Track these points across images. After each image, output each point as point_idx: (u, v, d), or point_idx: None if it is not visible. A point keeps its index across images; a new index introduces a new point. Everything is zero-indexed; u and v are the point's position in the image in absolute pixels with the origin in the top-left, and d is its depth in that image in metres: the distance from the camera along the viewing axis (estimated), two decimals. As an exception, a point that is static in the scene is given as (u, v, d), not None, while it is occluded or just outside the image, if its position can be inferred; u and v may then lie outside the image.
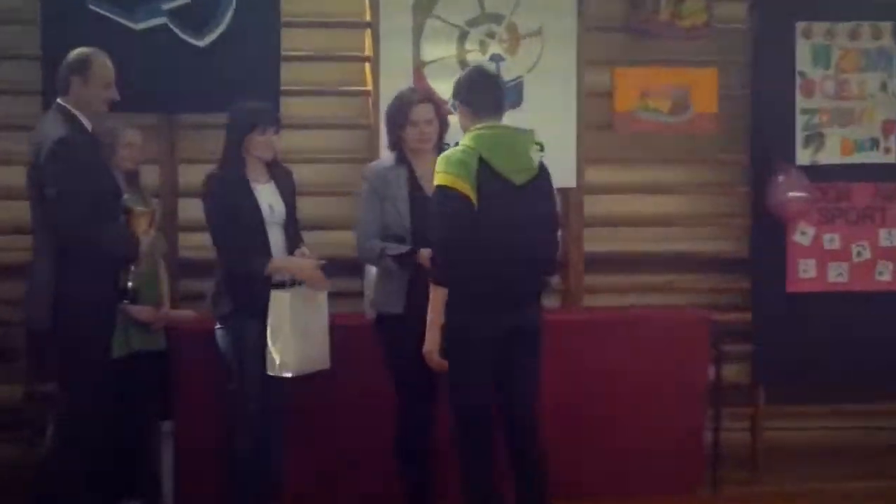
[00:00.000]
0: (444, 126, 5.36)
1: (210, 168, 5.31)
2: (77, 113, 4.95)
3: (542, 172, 4.91)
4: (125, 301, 5.16)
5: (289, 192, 5.31)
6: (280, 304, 5.08)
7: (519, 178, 4.80)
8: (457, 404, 4.86)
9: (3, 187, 6.11)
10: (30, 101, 5.96)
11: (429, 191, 5.07)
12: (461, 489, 4.93)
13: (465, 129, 4.93)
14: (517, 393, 4.93)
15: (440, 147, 5.27)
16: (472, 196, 4.70)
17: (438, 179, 4.78)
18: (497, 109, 4.92)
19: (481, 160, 4.74)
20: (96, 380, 4.93)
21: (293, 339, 5.08)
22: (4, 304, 6.02)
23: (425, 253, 4.97)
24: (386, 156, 5.47)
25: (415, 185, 5.22)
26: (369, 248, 5.20)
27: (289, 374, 5.09)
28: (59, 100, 4.98)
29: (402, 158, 5.27)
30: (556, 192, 5.10)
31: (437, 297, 4.72)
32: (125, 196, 5.09)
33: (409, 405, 5.19)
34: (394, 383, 5.22)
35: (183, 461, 5.64)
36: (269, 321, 5.06)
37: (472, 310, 4.75)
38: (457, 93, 5.00)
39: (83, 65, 4.97)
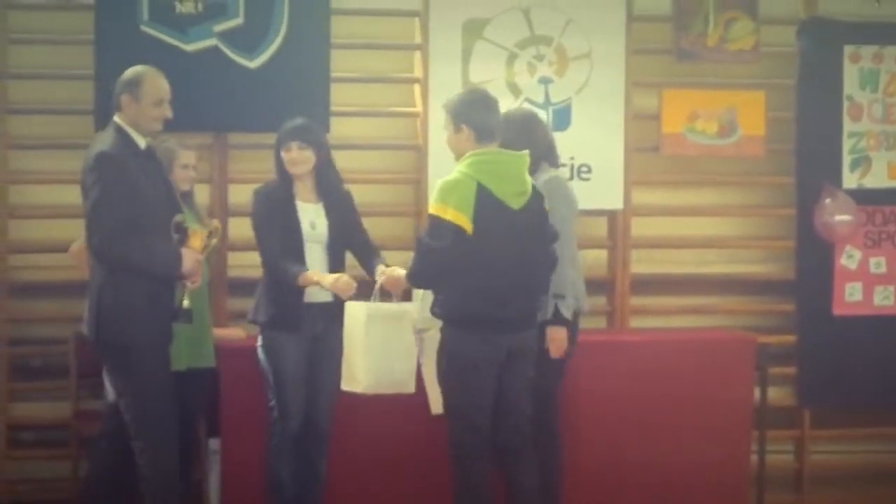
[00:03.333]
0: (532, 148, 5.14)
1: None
2: (129, 130, 4.88)
3: (535, 193, 4.85)
4: (181, 320, 5.06)
5: (342, 214, 5.27)
6: (355, 316, 4.92)
7: (516, 203, 4.75)
8: (456, 427, 4.81)
9: (58, 206, 6.11)
10: (83, 121, 5.99)
11: None
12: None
13: (461, 153, 4.79)
14: (509, 418, 4.88)
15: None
16: (468, 227, 4.65)
17: (431, 208, 4.72)
18: (496, 134, 4.82)
19: (479, 186, 4.68)
20: (148, 391, 4.84)
21: (368, 356, 4.90)
22: (55, 321, 6.06)
23: None
24: None
25: None
26: None
27: (360, 392, 4.92)
28: (114, 117, 4.93)
29: None
30: (555, 206, 5.06)
31: None
32: (178, 215, 5.00)
33: None
34: None
35: (229, 479, 5.54)
36: (344, 333, 4.93)
37: (472, 334, 4.73)
38: (463, 114, 4.81)
39: (134, 83, 4.92)
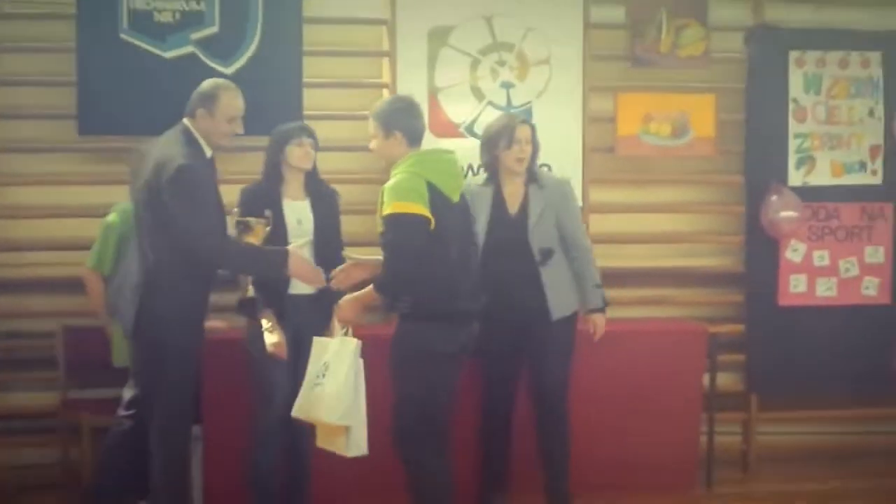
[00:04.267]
0: (536, 150, 5.46)
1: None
2: (199, 138, 4.95)
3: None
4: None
5: (326, 212, 5.36)
6: (349, 349, 4.83)
7: (455, 196, 4.83)
8: (407, 419, 4.79)
9: (43, 206, 6.22)
10: (64, 126, 6.09)
11: (511, 210, 5.40)
12: (413, 495, 4.89)
13: (393, 158, 4.84)
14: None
15: (532, 170, 5.45)
16: (429, 215, 4.67)
17: (391, 208, 4.67)
18: (422, 137, 4.89)
19: (429, 183, 4.72)
20: (180, 375, 4.98)
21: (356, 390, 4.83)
22: (43, 316, 6.14)
23: None
24: (476, 177, 5.79)
25: (499, 202, 5.42)
26: None
27: (337, 423, 4.84)
28: (185, 119, 4.98)
29: (493, 177, 5.47)
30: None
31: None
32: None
33: (494, 387, 5.50)
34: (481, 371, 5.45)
35: (211, 464, 5.63)
36: (333, 365, 4.85)
37: (437, 328, 4.76)
38: (396, 120, 4.85)
39: (211, 98, 4.96)
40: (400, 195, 4.65)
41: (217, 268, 4.96)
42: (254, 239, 4.98)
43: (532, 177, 5.44)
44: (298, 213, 5.24)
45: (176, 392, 4.97)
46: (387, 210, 4.66)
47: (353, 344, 4.75)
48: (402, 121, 4.83)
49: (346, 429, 4.72)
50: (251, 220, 5.03)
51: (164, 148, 4.89)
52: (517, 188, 5.43)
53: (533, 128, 5.50)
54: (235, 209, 5.12)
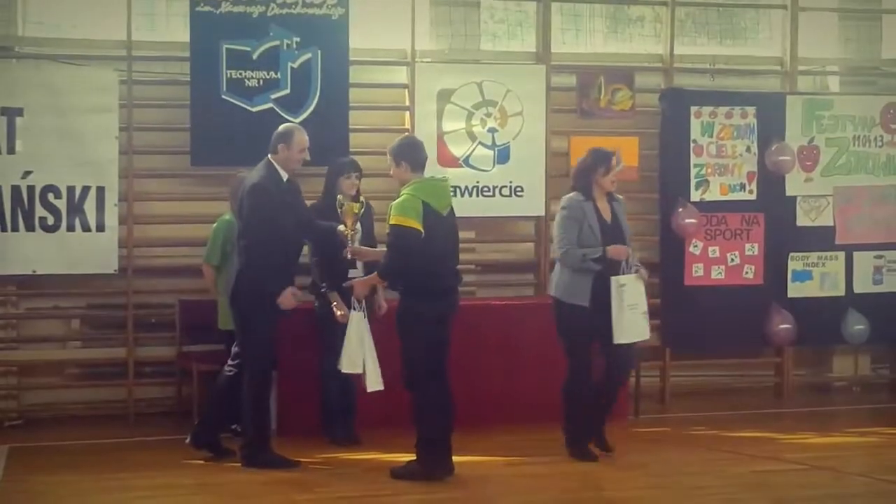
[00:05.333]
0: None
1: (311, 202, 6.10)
2: (278, 166, 5.52)
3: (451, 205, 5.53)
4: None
5: (366, 219, 6.02)
6: (355, 321, 5.29)
7: (444, 211, 5.34)
8: (413, 363, 5.17)
9: (165, 215, 6.88)
10: (182, 159, 6.88)
11: (607, 219, 5.70)
12: (418, 428, 5.22)
13: (403, 181, 5.28)
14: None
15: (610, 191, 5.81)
16: (421, 228, 5.16)
17: (395, 220, 5.13)
18: (424, 166, 5.36)
19: (423, 203, 5.19)
20: (262, 336, 5.50)
21: (362, 349, 5.31)
22: (166, 293, 6.89)
23: (611, 249, 5.55)
24: (572, 195, 5.75)
25: (599, 214, 5.73)
26: (574, 254, 5.63)
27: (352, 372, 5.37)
28: (269, 156, 5.54)
29: (588, 196, 5.72)
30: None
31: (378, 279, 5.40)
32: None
33: (581, 364, 5.68)
34: (567, 349, 5.69)
35: (283, 399, 6.20)
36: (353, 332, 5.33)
37: (428, 300, 5.18)
38: (403, 154, 5.26)
39: (288, 136, 5.54)
40: (401, 211, 5.19)
41: (250, 258, 5.27)
42: (350, 214, 5.38)
43: (611, 195, 5.79)
44: None
45: (259, 347, 5.52)
46: (392, 220, 5.23)
47: (358, 317, 5.30)
48: (406, 154, 5.31)
49: (363, 373, 5.31)
50: (350, 203, 5.52)
51: (251, 176, 5.54)
52: (605, 203, 5.74)
53: (619, 158, 5.80)
54: (340, 196, 5.59)
